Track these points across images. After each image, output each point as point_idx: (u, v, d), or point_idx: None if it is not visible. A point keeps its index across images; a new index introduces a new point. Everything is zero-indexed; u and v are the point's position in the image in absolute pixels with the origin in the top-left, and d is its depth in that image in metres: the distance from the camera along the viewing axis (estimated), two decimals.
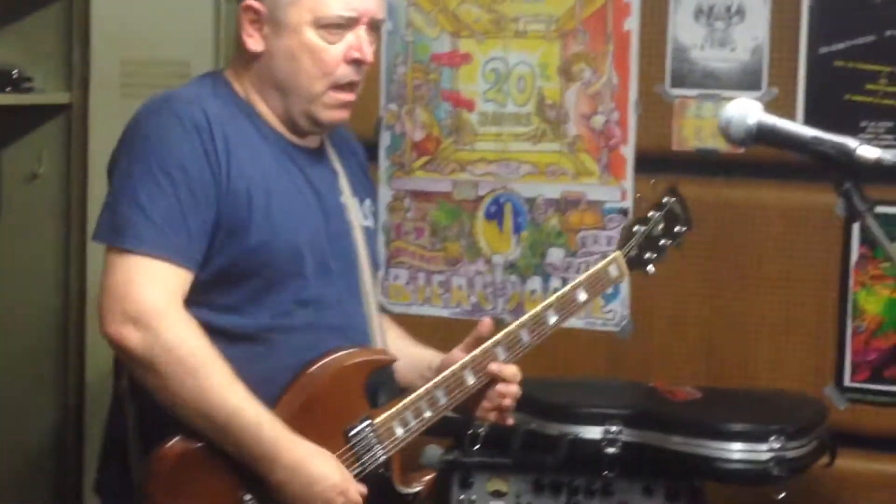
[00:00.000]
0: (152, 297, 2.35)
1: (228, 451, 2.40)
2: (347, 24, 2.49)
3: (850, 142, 2.11)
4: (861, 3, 3.70)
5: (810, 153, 2.14)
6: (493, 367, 2.61)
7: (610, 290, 3.92)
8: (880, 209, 3.56)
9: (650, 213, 2.85)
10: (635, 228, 2.83)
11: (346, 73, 2.51)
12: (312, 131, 2.60)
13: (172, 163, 2.38)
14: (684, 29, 3.88)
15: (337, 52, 2.49)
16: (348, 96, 2.54)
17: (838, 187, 2.10)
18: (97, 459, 2.65)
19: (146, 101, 2.50)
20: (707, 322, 3.92)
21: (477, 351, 2.62)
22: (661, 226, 2.85)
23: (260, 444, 2.38)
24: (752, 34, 3.82)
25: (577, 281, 2.75)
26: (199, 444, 2.40)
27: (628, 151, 3.96)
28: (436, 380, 2.59)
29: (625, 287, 3.95)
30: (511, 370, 2.64)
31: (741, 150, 3.64)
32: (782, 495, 3.25)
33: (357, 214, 2.65)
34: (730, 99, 2.29)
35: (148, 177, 2.38)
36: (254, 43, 2.51)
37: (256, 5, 2.49)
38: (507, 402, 2.65)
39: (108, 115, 3.74)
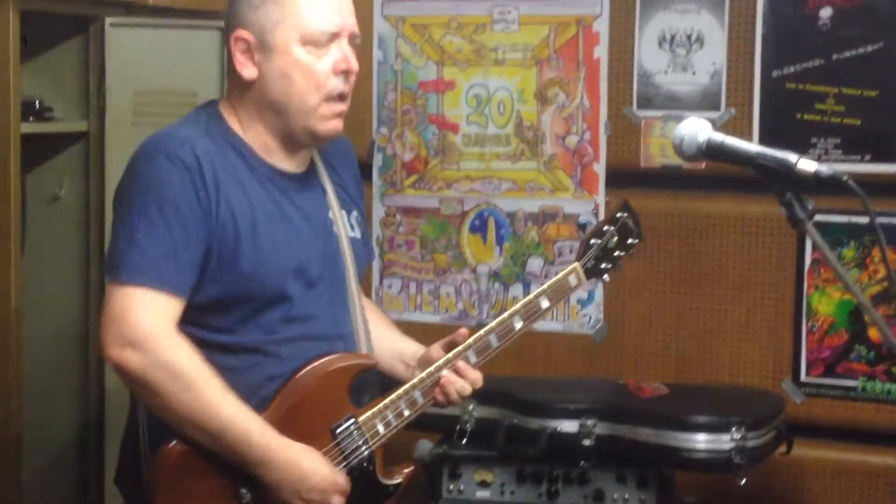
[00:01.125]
0: (147, 323, 2.37)
1: (225, 457, 2.42)
2: (330, 38, 2.49)
3: (791, 156, 2.12)
4: (810, 30, 3.72)
5: (755, 167, 2.16)
6: (460, 364, 2.63)
7: (584, 297, 3.98)
8: (826, 217, 3.67)
9: (605, 228, 2.86)
10: (592, 241, 2.84)
11: (336, 84, 2.51)
12: (312, 145, 2.60)
13: (166, 203, 2.40)
14: (649, 55, 3.90)
15: (325, 65, 2.49)
16: (340, 106, 2.54)
17: (781, 197, 2.12)
18: (118, 456, 2.68)
19: (144, 141, 2.51)
20: (674, 324, 3.94)
21: (450, 354, 2.64)
22: (615, 238, 2.85)
23: (251, 450, 2.41)
24: (710, 59, 3.84)
25: (540, 289, 2.76)
26: (198, 444, 2.43)
27: (600, 168, 3.98)
28: (413, 381, 2.62)
29: (599, 293, 3.98)
30: (473, 374, 2.65)
31: (703, 166, 3.68)
32: (743, 481, 3.24)
33: (345, 227, 2.66)
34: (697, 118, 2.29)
35: (143, 216, 2.40)
36: (248, 71, 2.50)
37: (245, 35, 2.49)
38: (455, 396, 2.64)
39: (122, 142, 3.71)
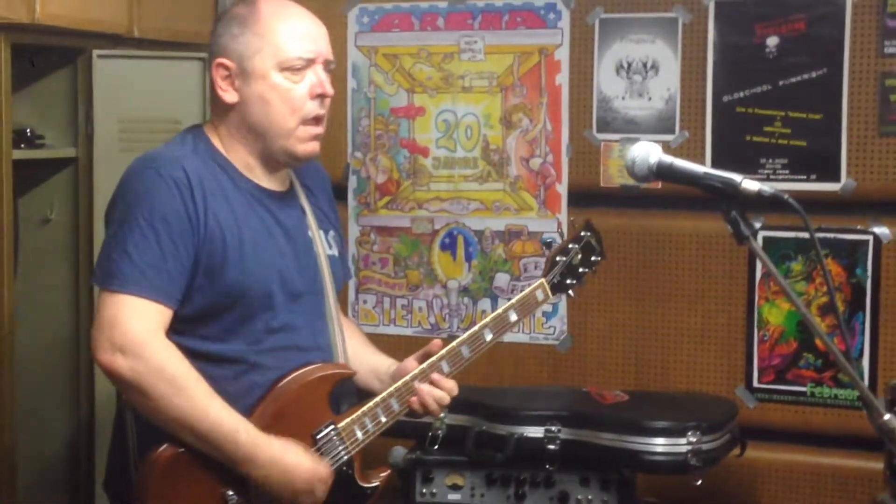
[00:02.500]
0: (136, 329, 2.39)
1: (213, 456, 2.44)
2: (307, 64, 2.52)
3: (736, 176, 2.16)
4: (758, 58, 3.78)
5: (703, 187, 2.19)
6: (435, 376, 2.66)
7: (548, 309, 4.02)
8: (775, 233, 3.73)
9: (570, 245, 2.89)
10: (558, 258, 2.87)
11: (312, 107, 2.54)
12: (290, 165, 2.62)
13: (156, 216, 2.42)
14: (607, 82, 3.95)
15: (302, 90, 2.53)
16: (317, 129, 2.57)
17: (727, 215, 2.16)
18: (106, 462, 2.69)
19: (135, 161, 2.53)
20: (633, 334, 3.98)
21: (425, 364, 2.67)
22: (579, 256, 2.89)
23: (238, 448, 2.43)
24: (665, 86, 3.89)
25: (509, 304, 2.79)
26: (186, 449, 2.44)
27: (562, 189, 4.03)
28: (390, 389, 2.64)
29: (562, 306, 4.02)
30: (449, 383, 2.68)
31: (659, 186, 3.74)
32: (699, 482, 3.29)
33: (323, 245, 2.68)
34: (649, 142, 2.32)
35: (135, 229, 2.42)
36: (229, 96, 2.53)
37: (226, 62, 2.52)
38: (434, 406, 2.67)
39: (109, 167, 3.73)
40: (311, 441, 2.55)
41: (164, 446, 2.44)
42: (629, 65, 3.93)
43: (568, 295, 2.91)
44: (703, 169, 2.22)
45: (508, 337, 3.88)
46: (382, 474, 2.70)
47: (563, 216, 4.03)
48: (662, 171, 2.25)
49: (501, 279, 4.12)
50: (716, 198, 2.20)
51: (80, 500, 3.97)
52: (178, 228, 2.44)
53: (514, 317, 2.79)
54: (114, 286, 2.42)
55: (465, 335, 2.73)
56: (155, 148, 2.60)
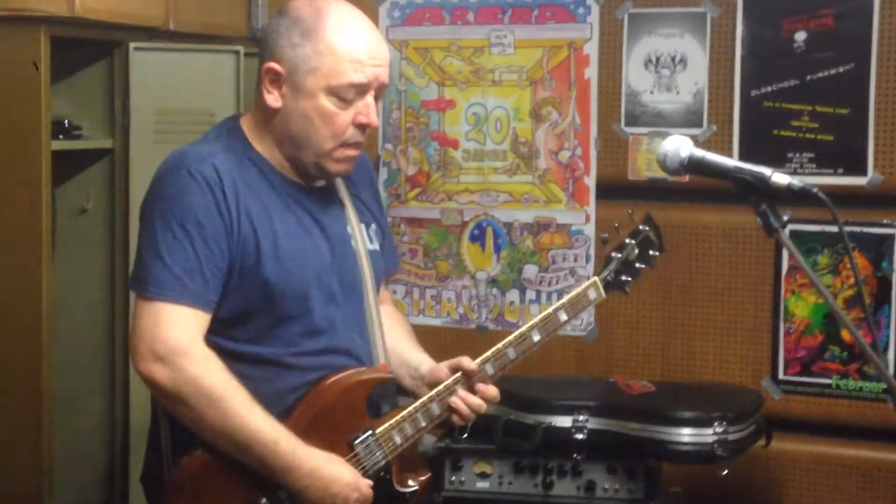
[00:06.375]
0: (175, 338, 2.33)
1: (251, 465, 2.38)
2: (358, 93, 2.43)
3: (766, 170, 2.15)
4: (786, 53, 3.77)
5: (733, 180, 2.19)
6: (480, 386, 2.57)
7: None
8: (802, 227, 3.71)
9: (627, 241, 2.75)
10: (613, 254, 2.73)
11: (353, 134, 2.45)
12: (321, 178, 2.53)
13: (189, 219, 2.36)
14: (636, 76, 3.94)
15: (347, 116, 2.43)
16: (354, 152, 2.49)
17: (756, 208, 2.16)
18: (143, 457, 2.63)
19: (166, 158, 2.46)
20: (660, 326, 3.97)
21: (474, 364, 2.57)
22: (636, 251, 2.74)
23: (278, 459, 2.36)
24: (693, 80, 3.88)
25: (559, 303, 2.66)
26: (220, 455, 2.38)
27: (590, 181, 4.03)
28: (430, 394, 2.55)
29: None
30: (494, 392, 2.60)
31: (686, 179, 3.72)
32: (725, 472, 3.29)
33: (363, 240, 2.59)
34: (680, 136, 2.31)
35: (168, 232, 2.36)
36: (273, 100, 2.44)
37: (277, 68, 2.43)
38: (467, 412, 2.58)
39: (145, 158, 3.74)
40: (348, 447, 2.48)
41: (199, 451, 2.39)
42: (658, 59, 3.92)
43: (623, 292, 2.74)
44: (734, 163, 2.22)
45: None
46: (422, 477, 2.61)
47: (591, 208, 4.03)
48: (693, 165, 2.25)
49: (529, 271, 4.12)
50: (745, 191, 2.20)
51: (116, 489, 3.97)
52: (211, 230, 2.37)
53: (563, 317, 2.67)
54: (149, 293, 2.36)
55: (513, 336, 2.62)
56: (188, 143, 2.53)
